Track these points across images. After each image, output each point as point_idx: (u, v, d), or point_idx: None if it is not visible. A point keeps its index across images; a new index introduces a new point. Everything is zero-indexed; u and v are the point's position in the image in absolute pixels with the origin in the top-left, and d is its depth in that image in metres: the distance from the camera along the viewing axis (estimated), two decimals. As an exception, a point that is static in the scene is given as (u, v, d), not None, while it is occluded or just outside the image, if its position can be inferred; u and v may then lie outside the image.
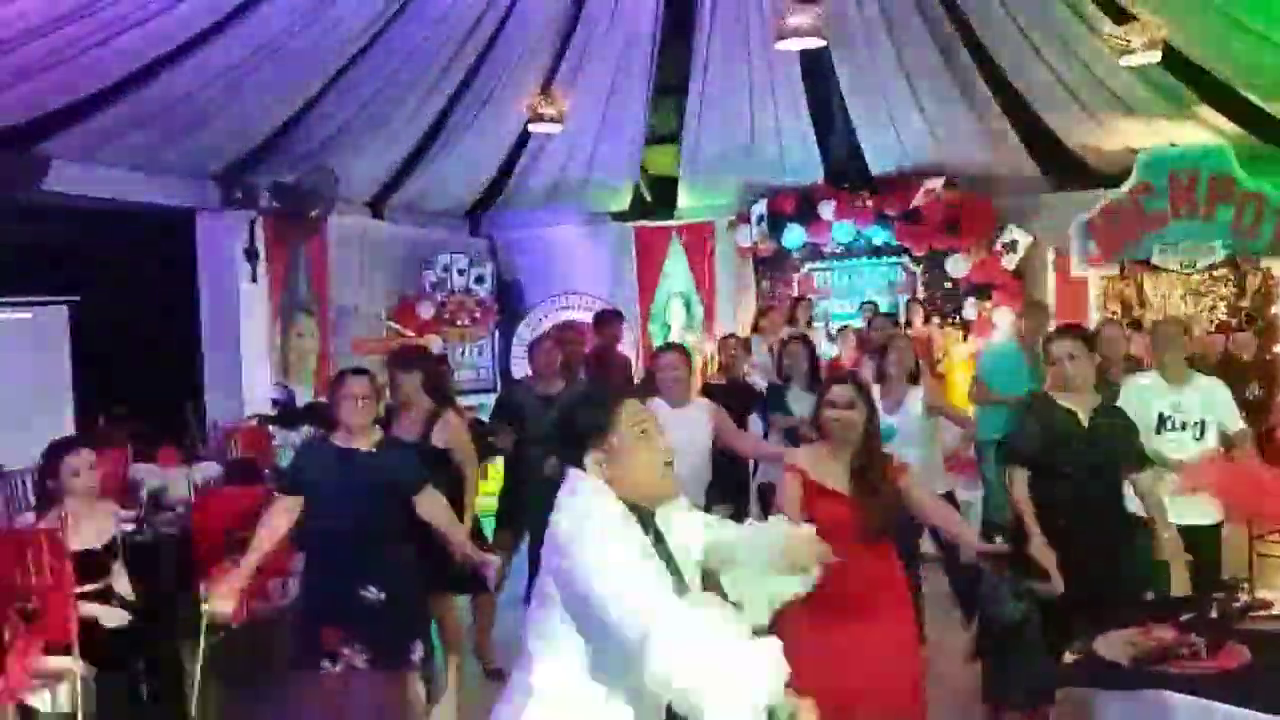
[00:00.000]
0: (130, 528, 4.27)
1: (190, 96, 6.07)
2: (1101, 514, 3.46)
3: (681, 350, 4.58)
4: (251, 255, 7.31)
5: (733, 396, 5.13)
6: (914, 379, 4.83)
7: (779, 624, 3.14)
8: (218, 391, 7.11)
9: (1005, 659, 3.41)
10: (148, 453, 5.30)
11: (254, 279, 7.36)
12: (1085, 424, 3.50)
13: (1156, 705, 2.55)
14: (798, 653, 3.01)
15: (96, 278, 6.81)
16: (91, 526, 3.88)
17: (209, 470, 5.35)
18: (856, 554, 2.84)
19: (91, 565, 3.80)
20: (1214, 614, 2.89)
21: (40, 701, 3.52)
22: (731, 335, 6.71)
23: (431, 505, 3.65)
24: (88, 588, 3.75)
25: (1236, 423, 4.27)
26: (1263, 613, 3.00)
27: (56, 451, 3.94)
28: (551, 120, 7.71)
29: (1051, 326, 5.54)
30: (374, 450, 3.63)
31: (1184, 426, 4.18)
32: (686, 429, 4.04)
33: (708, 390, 5.43)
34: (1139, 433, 3.60)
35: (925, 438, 4.75)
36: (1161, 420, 4.18)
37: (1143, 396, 4.16)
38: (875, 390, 4.49)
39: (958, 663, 4.13)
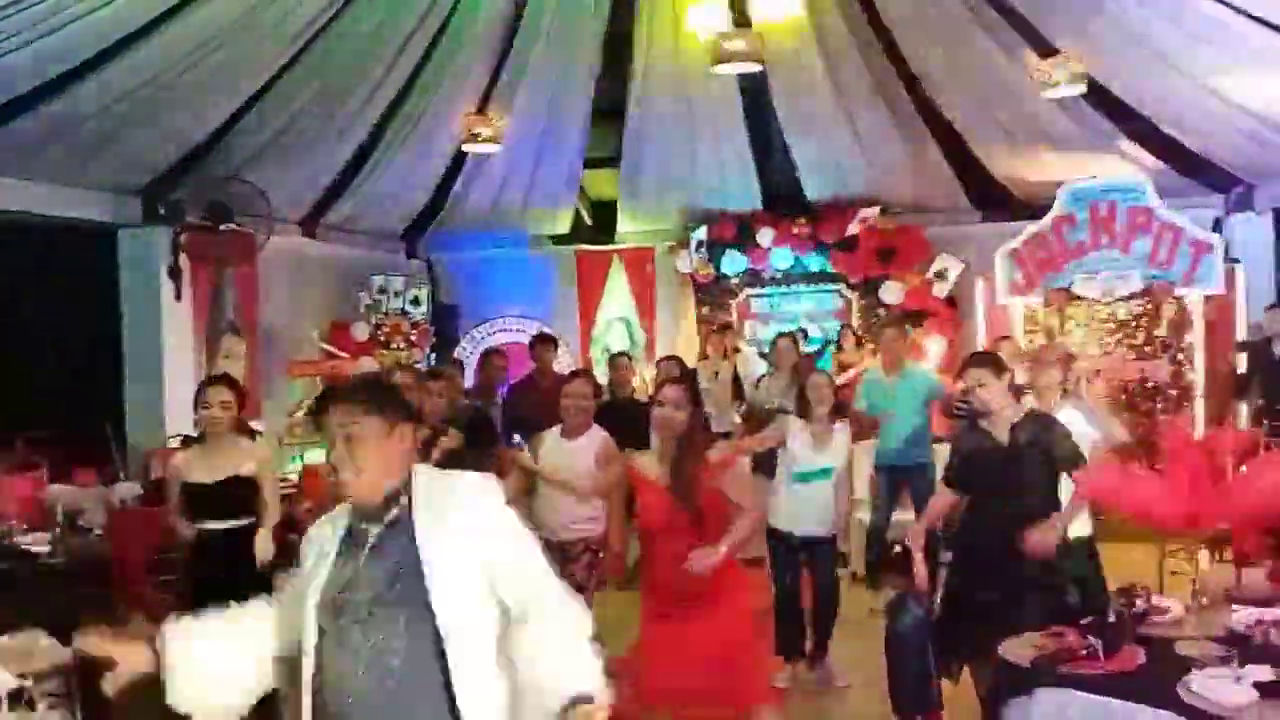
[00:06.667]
0: (46, 549, 4.10)
1: (109, 109, 5.90)
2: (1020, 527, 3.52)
3: (586, 378, 4.54)
4: (175, 273, 7.11)
5: (620, 415, 5.18)
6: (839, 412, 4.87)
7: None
8: (139, 412, 6.89)
9: (904, 670, 3.58)
10: (65, 474, 5.11)
11: (178, 297, 7.16)
12: (1004, 442, 3.59)
13: (1057, 703, 2.73)
14: (644, 643, 3.38)
15: (14, 294, 6.54)
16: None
17: (128, 491, 5.16)
18: (678, 543, 3.29)
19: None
20: (1113, 618, 3.03)
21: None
22: (670, 357, 6.82)
23: None
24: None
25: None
26: (1159, 618, 3.22)
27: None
28: (488, 140, 7.64)
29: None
30: None
31: None
32: (571, 459, 4.15)
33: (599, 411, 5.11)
34: (1068, 435, 3.67)
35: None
36: None
37: None
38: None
39: (877, 678, 4.20)
